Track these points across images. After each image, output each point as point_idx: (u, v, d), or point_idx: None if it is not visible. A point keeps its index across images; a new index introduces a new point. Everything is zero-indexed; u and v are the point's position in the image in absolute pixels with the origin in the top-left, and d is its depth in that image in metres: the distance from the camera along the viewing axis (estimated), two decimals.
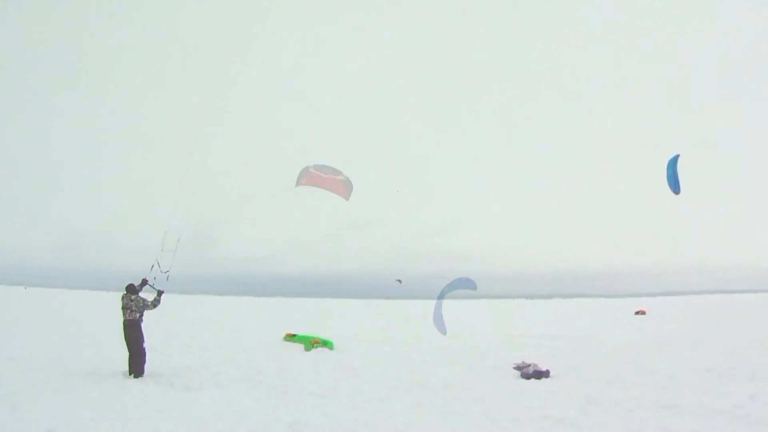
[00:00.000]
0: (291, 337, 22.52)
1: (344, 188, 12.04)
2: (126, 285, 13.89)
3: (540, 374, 14.24)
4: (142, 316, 13.79)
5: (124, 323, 13.64)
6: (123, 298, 13.75)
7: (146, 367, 13.79)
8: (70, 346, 18.88)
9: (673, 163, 13.92)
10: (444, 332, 18.86)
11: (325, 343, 20.09)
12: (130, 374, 13.45)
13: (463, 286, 14.85)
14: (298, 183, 12.18)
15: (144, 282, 14.02)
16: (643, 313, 48.66)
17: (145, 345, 13.82)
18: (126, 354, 13.77)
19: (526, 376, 14.23)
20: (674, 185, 14.25)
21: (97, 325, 28.05)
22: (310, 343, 20.08)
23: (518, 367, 15.35)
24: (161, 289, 14.23)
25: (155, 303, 14.07)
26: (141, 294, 13.95)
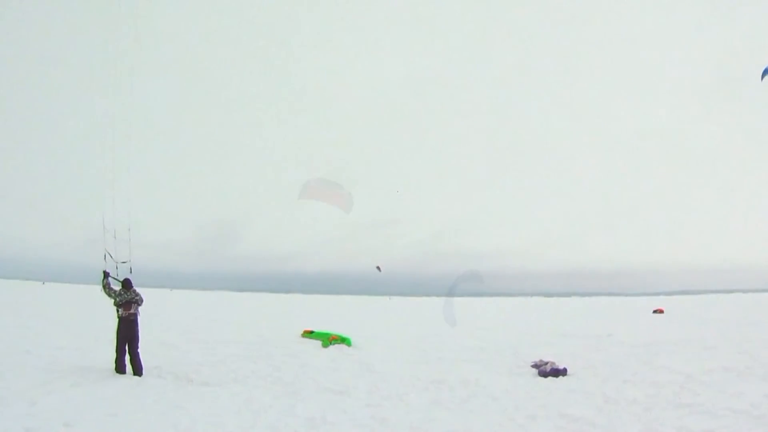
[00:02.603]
0: (309, 334, 22.63)
1: (345, 202, 12.24)
2: (123, 280, 13.47)
3: (557, 372, 14.24)
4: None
5: (126, 320, 13.26)
6: (126, 293, 13.34)
7: (165, 362, 13.81)
8: (87, 341, 19.05)
9: None
10: None
11: (343, 340, 20.17)
12: (117, 372, 13.07)
13: None
14: (301, 196, 12.37)
15: (106, 275, 13.43)
16: (661, 312, 48.33)
17: None
18: (116, 352, 13.36)
19: (543, 374, 14.24)
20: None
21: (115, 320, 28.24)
22: (328, 339, 20.17)
23: (535, 365, 15.35)
24: (127, 278, 13.53)
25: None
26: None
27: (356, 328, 28.02)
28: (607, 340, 22.78)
